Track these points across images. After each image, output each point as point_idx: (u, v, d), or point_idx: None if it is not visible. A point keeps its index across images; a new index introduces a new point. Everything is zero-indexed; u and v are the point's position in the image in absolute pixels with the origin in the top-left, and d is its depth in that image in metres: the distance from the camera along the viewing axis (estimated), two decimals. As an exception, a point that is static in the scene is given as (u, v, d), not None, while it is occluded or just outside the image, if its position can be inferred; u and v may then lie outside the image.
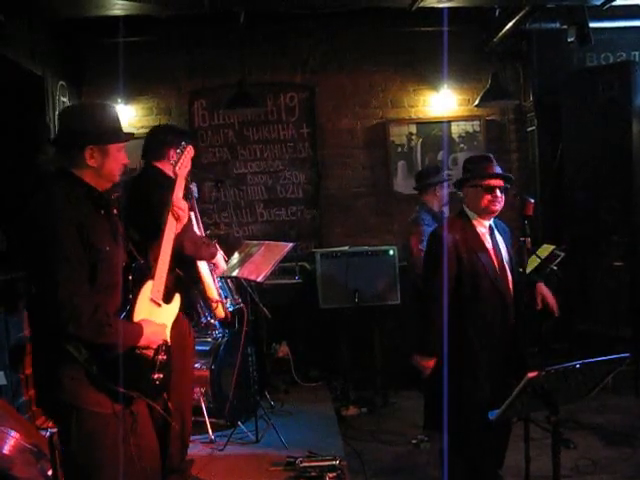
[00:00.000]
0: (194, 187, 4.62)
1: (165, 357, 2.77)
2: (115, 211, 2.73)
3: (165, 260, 2.82)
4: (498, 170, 3.55)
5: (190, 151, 3.08)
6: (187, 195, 3.56)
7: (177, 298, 2.96)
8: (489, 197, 3.46)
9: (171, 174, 3.83)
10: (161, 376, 2.74)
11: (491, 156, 3.64)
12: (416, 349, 3.55)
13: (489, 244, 3.54)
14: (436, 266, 3.46)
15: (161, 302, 2.80)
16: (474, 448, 3.54)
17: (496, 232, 3.59)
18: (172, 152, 3.82)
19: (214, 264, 4.14)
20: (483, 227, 3.57)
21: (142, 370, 2.68)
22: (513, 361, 3.51)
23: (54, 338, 2.47)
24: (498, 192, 3.47)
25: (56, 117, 5.55)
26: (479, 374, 3.47)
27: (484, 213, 3.53)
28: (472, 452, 3.56)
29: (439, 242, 3.49)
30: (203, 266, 4.12)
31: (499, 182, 3.50)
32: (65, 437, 2.59)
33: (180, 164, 3.02)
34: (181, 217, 2.94)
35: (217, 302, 4.19)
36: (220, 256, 4.13)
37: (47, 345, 2.53)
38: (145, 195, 3.58)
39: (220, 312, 4.23)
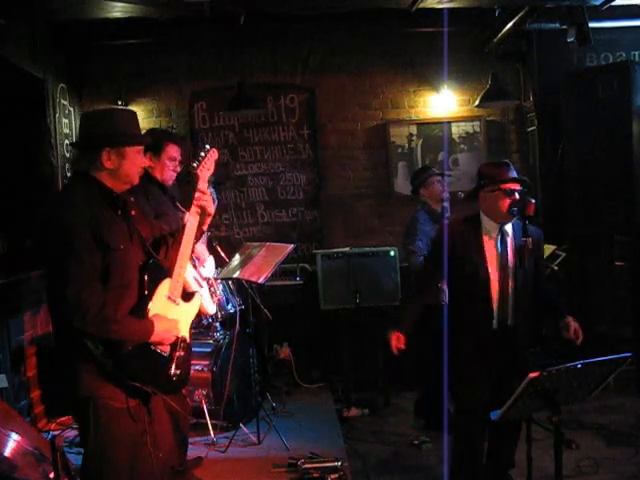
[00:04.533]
0: (214, 195, 4.61)
1: (183, 353, 2.80)
2: (133, 212, 2.78)
3: (184, 259, 2.84)
4: (515, 174, 3.58)
5: (213, 154, 3.05)
6: None
7: (197, 297, 2.99)
8: (509, 201, 3.49)
9: (155, 175, 3.88)
10: (178, 372, 2.77)
11: (508, 161, 3.70)
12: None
13: (491, 249, 3.57)
14: (428, 264, 3.93)
15: (179, 300, 2.82)
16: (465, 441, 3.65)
17: (509, 237, 3.59)
18: (148, 155, 3.81)
19: (197, 258, 4.12)
20: (493, 231, 3.58)
21: (158, 366, 2.71)
22: (504, 365, 3.55)
23: (72, 333, 2.52)
24: (517, 195, 3.50)
25: (56, 119, 5.56)
26: (467, 374, 3.58)
27: (504, 217, 3.54)
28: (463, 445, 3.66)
29: (438, 244, 3.64)
30: None
31: (517, 186, 3.54)
32: (83, 430, 2.66)
33: (202, 166, 3.00)
34: (206, 208, 2.90)
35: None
36: (202, 248, 4.11)
37: (66, 340, 2.59)
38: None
39: (202, 308, 4.18)
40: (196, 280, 4.18)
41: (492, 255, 3.57)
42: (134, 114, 2.84)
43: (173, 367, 2.75)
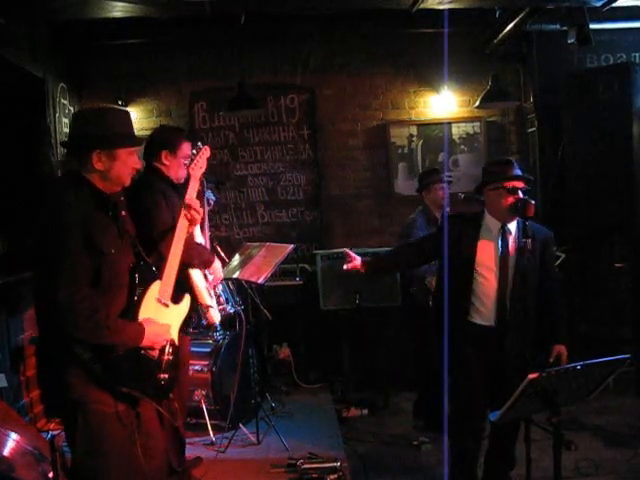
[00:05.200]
0: (211, 195, 4.58)
1: (171, 357, 2.77)
2: (123, 213, 2.75)
3: (174, 261, 2.82)
4: (518, 172, 3.56)
5: (205, 152, 3.01)
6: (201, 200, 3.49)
7: (187, 299, 2.96)
8: (511, 199, 3.48)
9: (169, 175, 3.85)
10: (167, 376, 2.75)
11: (512, 159, 3.67)
12: None
13: (489, 248, 3.55)
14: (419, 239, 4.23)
15: (169, 302, 2.80)
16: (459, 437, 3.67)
17: (512, 237, 3.56)
18: (164, 154, 3.80)
19: (211, 272, 4.10)
20: (495, 230, 3.57)
21: (147, 370, 2.69)
22: (503, 364, 3.54)
23: (60, 337, 2.49)
24: (520, 194, 3.49)
25: (57, 119, 5.56)
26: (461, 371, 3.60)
27: (507, 215, 3.53)
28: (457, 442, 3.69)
29: (437, 231, 3.80)
30: (194, 271, 4.07)
31: (520, 184, 3.52)
32: (71, 435, 2.61)
33: (194, 164, 2.96)
34: (194, 218, 2.91)
35: (207, 307, 4.17)
36: (219, 264, 4.09)
37: (54, 344, 2.56)
38: (135, 197, 3.57)
39: (211, 317, 4.20)
40: (207, 290, 4.18)
41: (490, 254, 3.55)
42: (127, 113, 2.79)
43: (161, 371, 2.72)
